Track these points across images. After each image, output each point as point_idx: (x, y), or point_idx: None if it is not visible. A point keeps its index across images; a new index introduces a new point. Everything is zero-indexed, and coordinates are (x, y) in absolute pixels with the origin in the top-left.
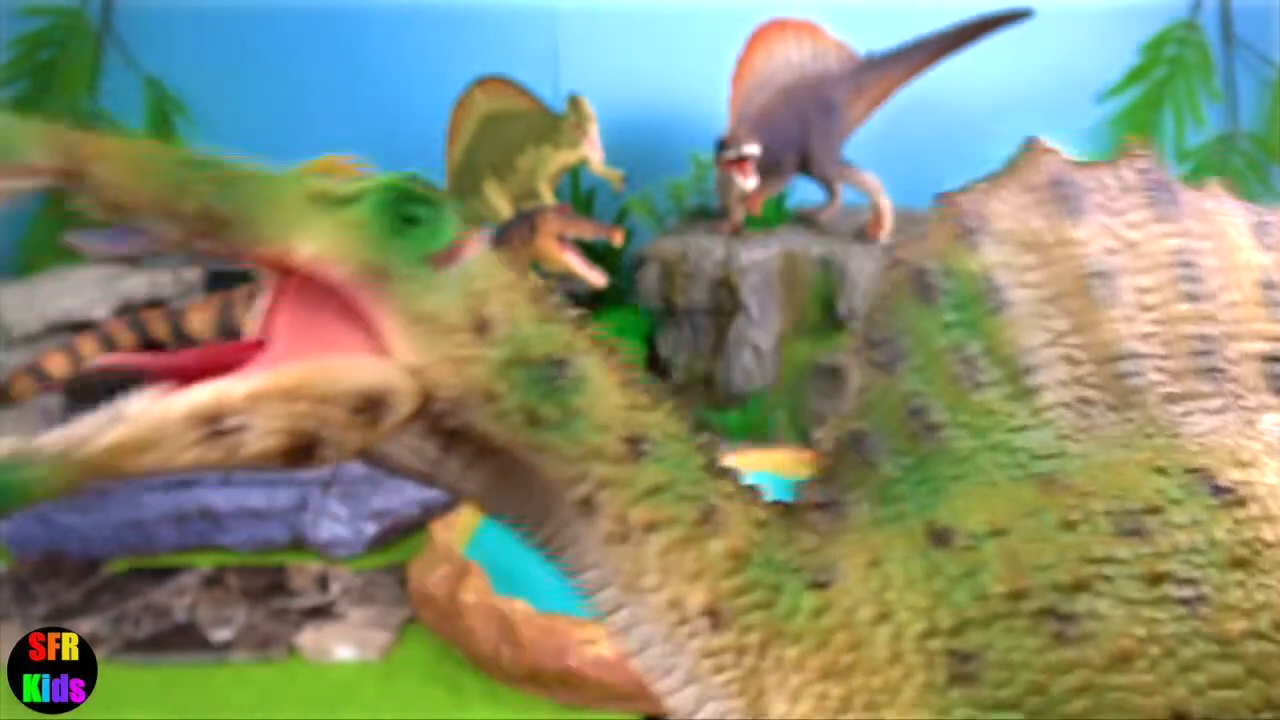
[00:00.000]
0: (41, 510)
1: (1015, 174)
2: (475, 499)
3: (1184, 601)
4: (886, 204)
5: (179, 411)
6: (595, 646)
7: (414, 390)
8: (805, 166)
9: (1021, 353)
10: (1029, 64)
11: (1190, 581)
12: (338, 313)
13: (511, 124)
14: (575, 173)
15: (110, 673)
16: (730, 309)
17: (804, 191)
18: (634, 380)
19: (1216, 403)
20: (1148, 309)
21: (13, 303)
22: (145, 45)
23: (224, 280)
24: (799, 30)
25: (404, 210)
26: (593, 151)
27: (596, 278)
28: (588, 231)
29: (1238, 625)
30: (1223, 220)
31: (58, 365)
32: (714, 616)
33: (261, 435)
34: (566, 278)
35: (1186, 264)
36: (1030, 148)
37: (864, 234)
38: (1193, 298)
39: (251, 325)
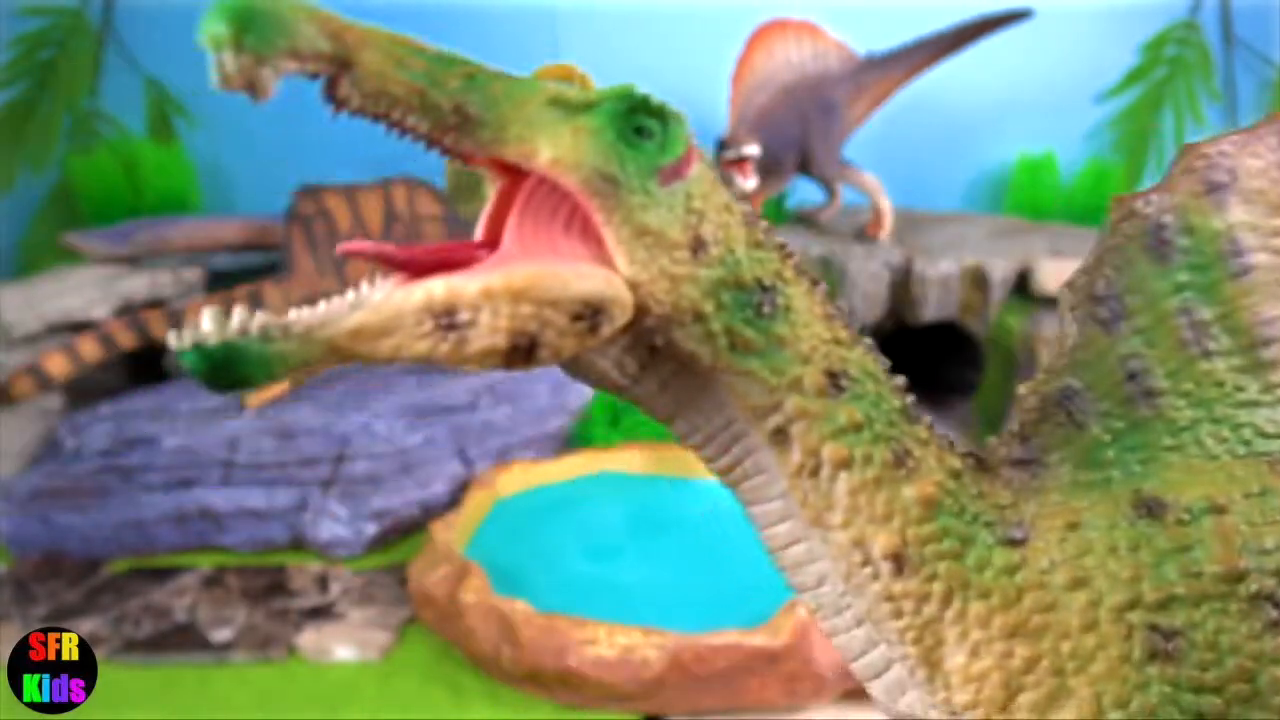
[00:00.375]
0: (42, 510)
1: (1274, 127)
2: (666, 418)
3: None
4: (886, 204)
5: (415, 302)
6: (595, 646)
7: (631, 302)
8: (805, 167)
9: (1260, 323)
10: (1029, 64)
11: None
12: (565, 219)
13: None
14: None
15: (110, 673)
16: None
17: (804, 192)
18: (835, 315)
19: None
20: None
21: (13, 303)
22: (145, 45)
23: (224, 281)
24: (799, 30)
25: (636, 121)
26: None
27: None
28: None
29: None
30: None
31: (58, 365)
32: (899, 561)
33: (486, 332)
34: None
35: None
36: None
37: (864, 234)
38: None
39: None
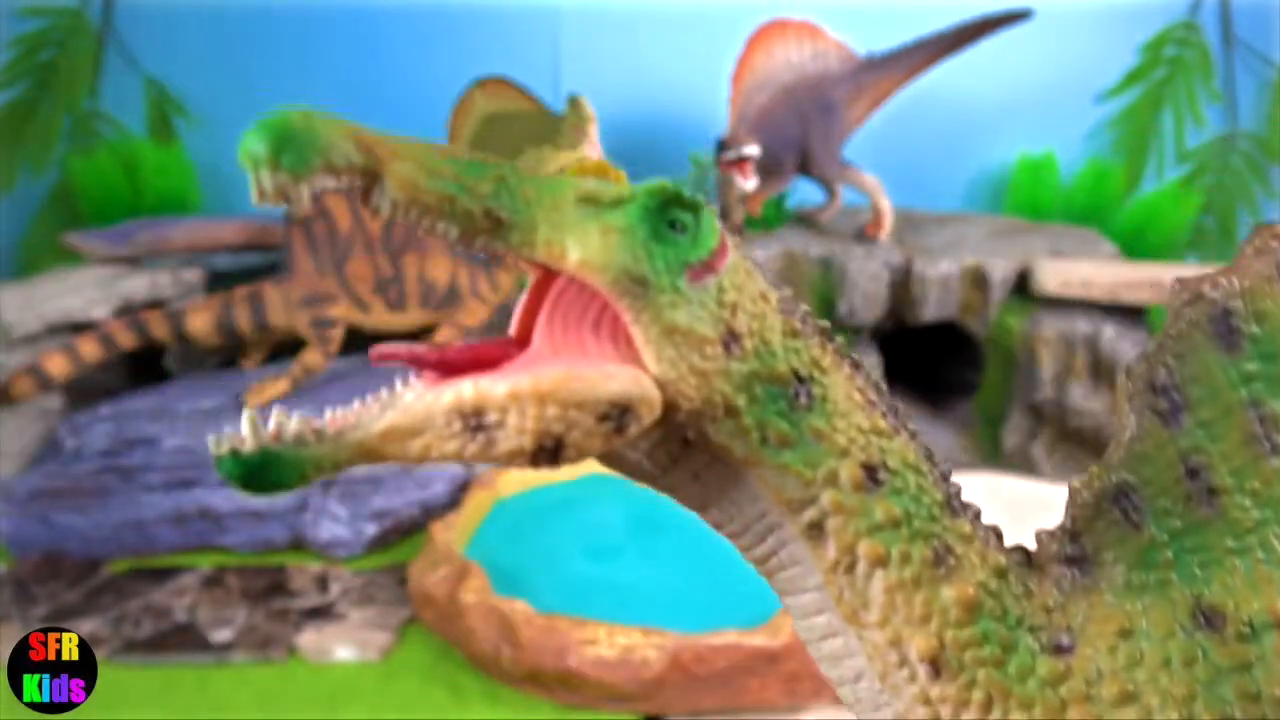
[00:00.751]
0: (42, 510)
1: None
2: (698, 508)
3: None
4: (886, 204)
5: (445, 404)
6: (595, 646)
7: (660, 402)
8: (805, 167)
9: None
10: (1029, 64)
11: None
12: (595, 318)
13: (512, 125)
14: None
15: (110, 673)
16: None
17: (804, 192)
18: (875, 402)
19: None
20: None
21: (13, 303)
22: (145, 45)
23: (224, 281)
24: (799, 30)
25: (669, 215)
26: (593, 152)
27: None
28: None
29: None
30: None
31: (58, 365)
32: (936, 665)
33: (514, 434)
34: None
35: None
36: None
37: (864, 234)
38: None
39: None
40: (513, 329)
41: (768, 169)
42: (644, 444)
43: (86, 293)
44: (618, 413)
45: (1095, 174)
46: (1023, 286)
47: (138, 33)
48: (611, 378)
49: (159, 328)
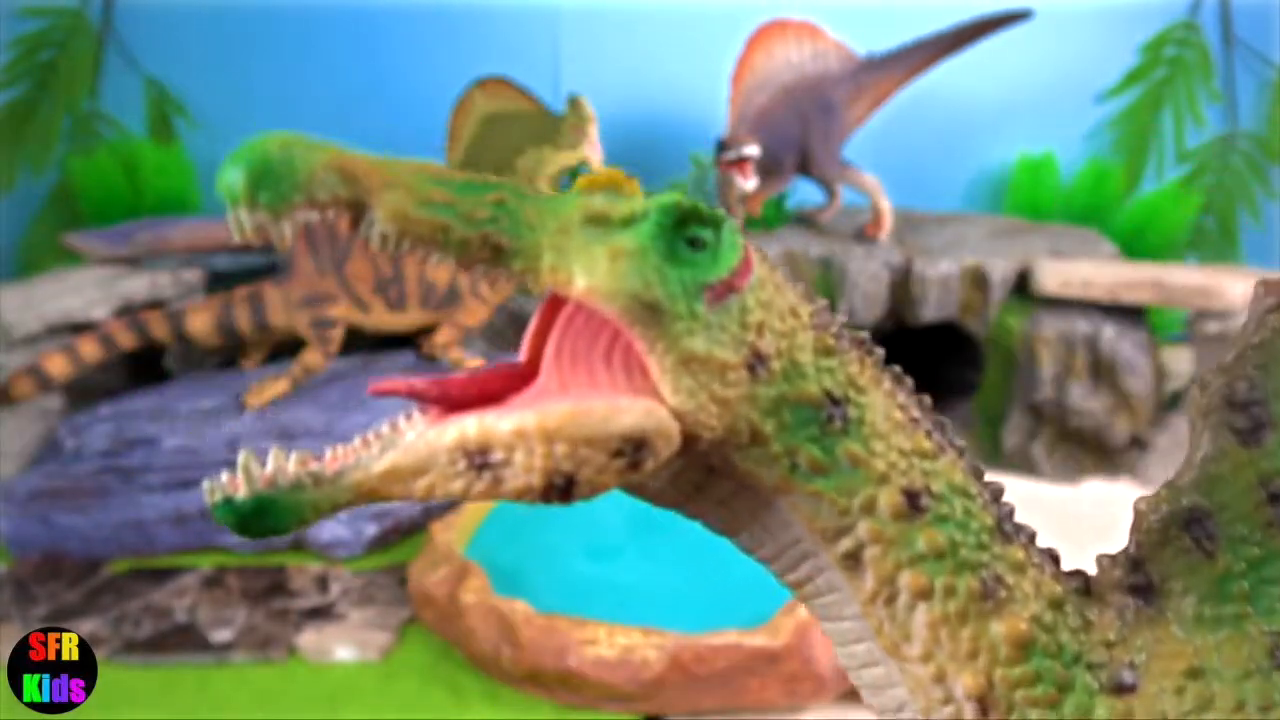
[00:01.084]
0: (42, 510)
1: None
2: (727, 534)
3: None
4: (886, 205)
5: (448, 442)
6: (595, 647)
7: (678, 433)
8: (805, 167)
9: None
10: (1029, 64)
11: None
12: (606, 345)
13: (512, 125)
14: (575, 174)
15: (110, 673)
16: None
17: (804, 192)
18: (918, 420)
19: None
20: None
21: (13, 303)
22: (145, 45)
23: (224, 281)
24: (799, 30)
25: (685, 232)
26: (593, 152)
27: None
28: None
29: None
30: None
31: (57, 366)
32: (985, 704)
33: (521, 472)
34: None
35: None
36: None
37: (864, 234)
38: None
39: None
40: (522, 355)
41: (768, 169)
42: (665, 474)
43: (86, 293)
44: (631, 448)
45: (1095, 174)
46: (1023, 286)
47: (138, 33)
48: (623, 412)
49: (159, 328)
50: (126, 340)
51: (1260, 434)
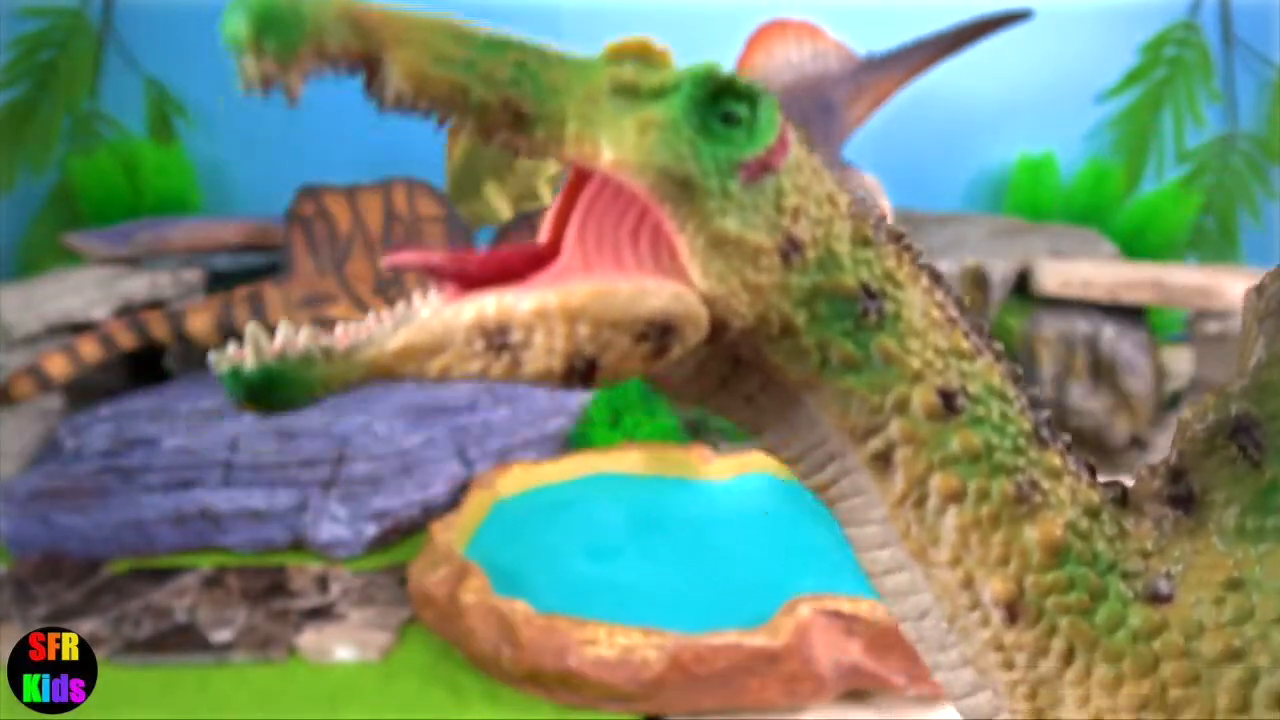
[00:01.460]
0: (42, 511)
1: None
2: (752, 431)
3: None
4: (886, 205)
5: (466, 320)
6: (595, 647)
7: (706, 320)
8: None
9: None
10: (1029, 64)
11: None
12: (633, 224)
13: None
14: None
15: (110, 673)
16: None
17: None
18: (957, 319)
19: None
20: None
21: (13, 303)
22: (145, 45)
23: (224, 281)
24: (799, 30)
25: (720, 106)
26: None
27: None
28: None
29: None
30: None
31: (57, 366)
32: (1014, 610)
33: (542, 354)
34: None
35: None
36: None
37: None
38: None
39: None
40: (543, 235)
41: None
42: (690, 364)
43: (86, 293)
44: (657, 332)
45: (1095, 174)
46: (1023, 286)
47: (138, 33)
48: (650, 294)
49: (159, 328)
50: (126, 340)
51: None
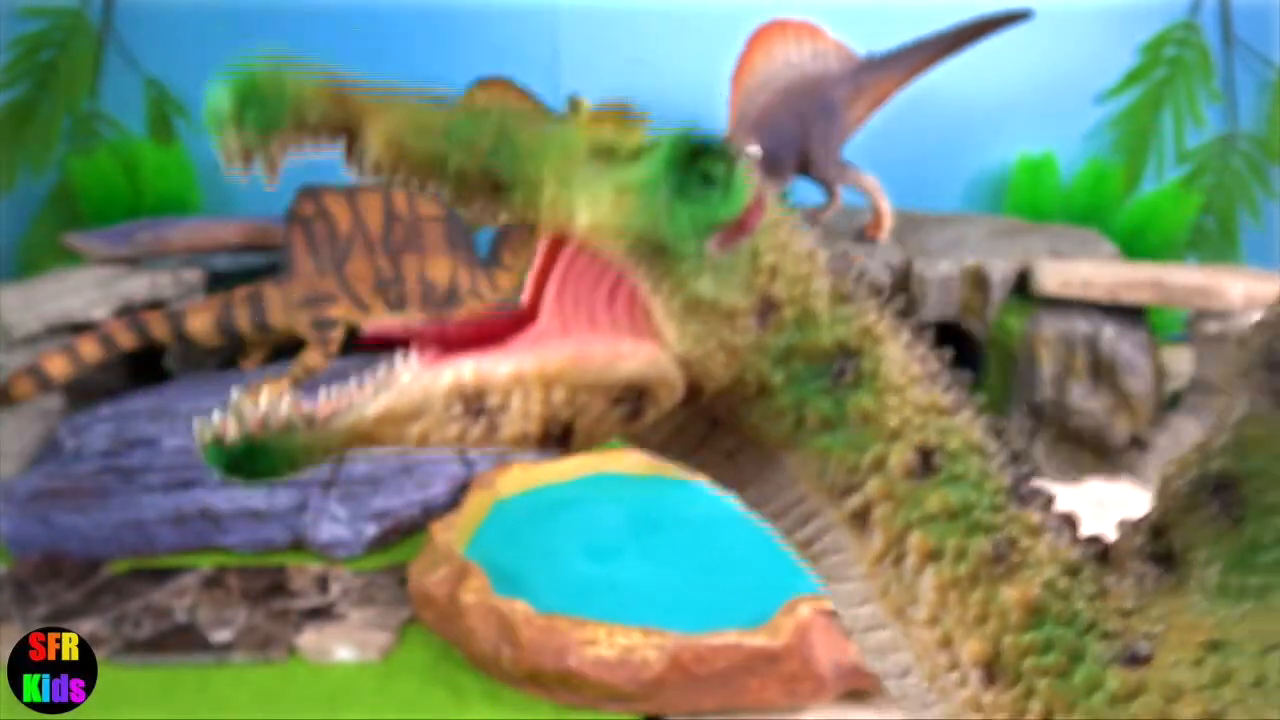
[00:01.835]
0: (42, 511)
1: None
2: (732, 488)
3: None
4: (886, 205)
5: (444, 385)
6: (595, 647)
7: (681, 382)
8: (805, 168)
9: None
10: (1029, 64)
11: None
12: (610, 288)
13: None
14: None
15: (110, 673)
16: None
17: (804, 192)
18: (937, 374)
19: None
20: None
21: (13, 303)
22: (145, 45)
23: (224, 281)
24: (799, 30)
25: (697, 168)
26: None
27: None
28: None
29: None
30: None
31: (57, 366)
32: (991, 671)
33: (519, 418)
34: None
35: None
36: None
37: (864, 235)
38: None
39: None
40: (524, 297)
41: (767, 169)
42: (667, 425)
43: (86, 293)
44: (633, 396)
45: (1095, 174)
46: (1023, 286)
47: (138, 33)
48: (626, 358)
49: (159, 328)
50: (126, 340)
51: None
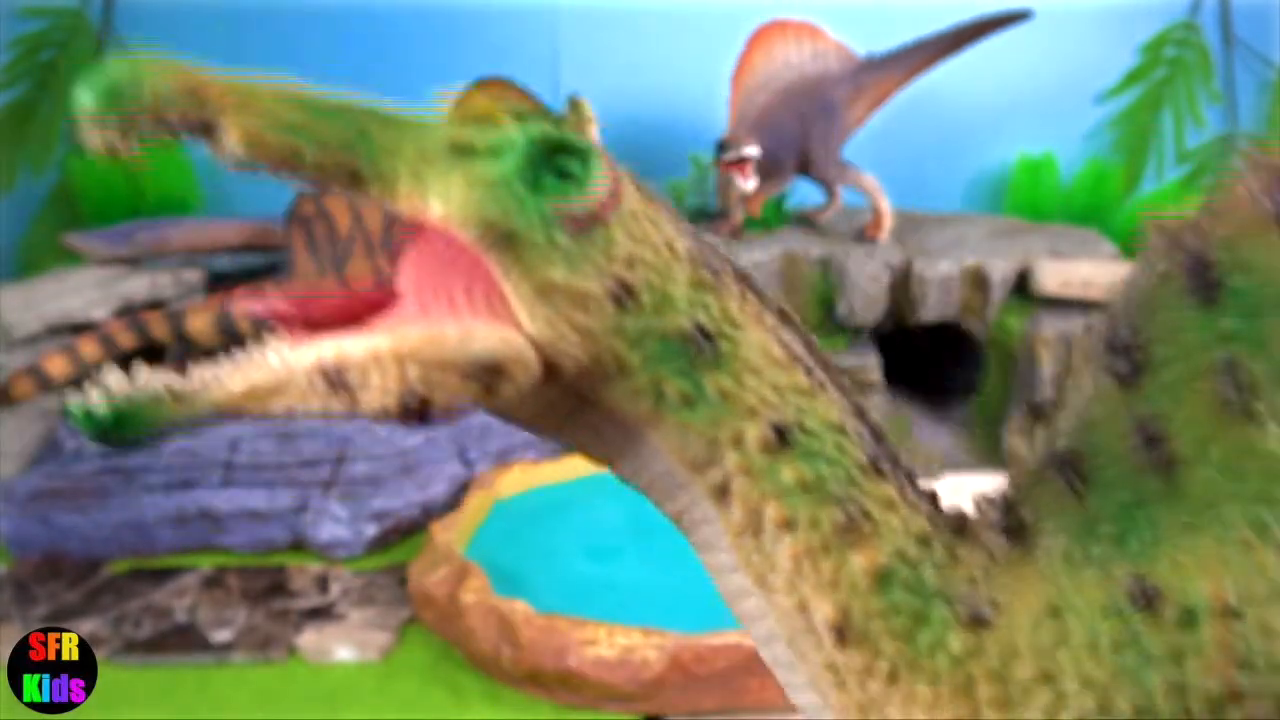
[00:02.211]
0: (42, 511)
1: None
2: (604, 462)
3: None
4: (886, 205)
5: (306, 364)
6: (595, 647)
7: (535, 361)
8: (805, 168)
9: None
10: (1029, 64)
11: None
12: (466, 272)
13: None
14: None
15: (110, 673)
16: None
17: (804, 193)
18: (799, 358)
19: None
20: None
21: (13, 303)
22: (145, 45)
23: (224, 281)
24: (799, 31)
25: (554, 165)
26: None
27: None
28: None
29: None
30: None
31: (57, 366)
32: (842, 633)
33: (376, 394)
34: None
35: None
36: None
37: (863, 235)
38: None
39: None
40: (395, 280)
41: (767, 169)
42: (533, 402)
43: (86, 293)
44: (485, 373)
45: (1095, 174)
46: (1023, 287)
47: (138, 33)
48: (477, 338)
49: (159, 328)
50: (126, 340)
51: (1139, 377)
